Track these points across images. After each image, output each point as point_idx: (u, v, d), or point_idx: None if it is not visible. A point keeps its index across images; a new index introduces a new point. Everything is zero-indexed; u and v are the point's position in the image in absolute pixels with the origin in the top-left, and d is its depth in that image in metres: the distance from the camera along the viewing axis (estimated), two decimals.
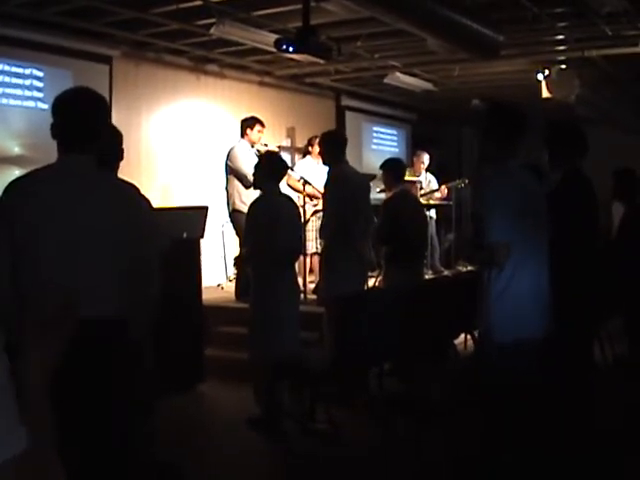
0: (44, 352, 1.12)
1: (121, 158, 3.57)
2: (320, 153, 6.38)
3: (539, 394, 3.53)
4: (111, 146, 3.30)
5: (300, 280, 7.28)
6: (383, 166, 6.78)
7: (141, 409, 3.04)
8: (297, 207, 5.60)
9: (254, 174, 5.48)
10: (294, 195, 7.32)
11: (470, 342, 6.26)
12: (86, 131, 2.75)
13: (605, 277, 4.95)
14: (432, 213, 9.43)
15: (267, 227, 5.07)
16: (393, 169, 6.69)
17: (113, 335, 2.60)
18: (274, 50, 7.10)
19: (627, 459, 4.35)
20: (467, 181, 9.73)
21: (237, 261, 5.78)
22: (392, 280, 6.45)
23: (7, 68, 7.52)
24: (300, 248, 5.96)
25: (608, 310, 5.90)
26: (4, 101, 7.50)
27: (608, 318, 6.04)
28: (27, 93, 7.70)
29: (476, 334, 5.72)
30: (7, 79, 7.52)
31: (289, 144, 10.87)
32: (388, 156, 8.47)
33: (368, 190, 6.46)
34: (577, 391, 4.11)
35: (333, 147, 6.02)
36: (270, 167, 5.34)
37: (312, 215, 7.94)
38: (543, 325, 3.50)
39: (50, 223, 2.60)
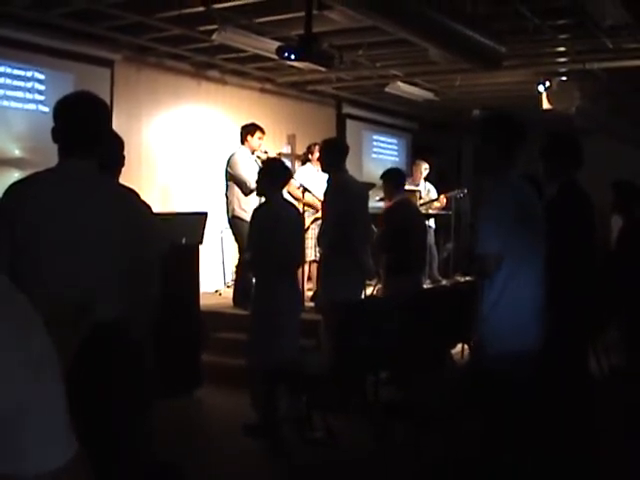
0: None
1: (122, 164, 3.58)
2: (320, 160, 6.38)
3: (532, 404, 3.52)
4: (112, 152, 3.31)
5: None
6: (383, 176, 6.84)
7: (142, 409, 3.04)
8: (300, 214, 5.61)
9: (257, 181, 5.50)
10: (294, 203, 7.33)
11: (467, 352, 6.25)
12: (87, 136, 2.75)
13: (602, 289, 4.96)
14: (431, 222, 9.44)
15: (270, 234, 5.08)
16: (393, 178, 6.75)
17: (114, 335, 2.60)
18: (276, 57, 7.12)
19: (626, 462, 4.36)
20: (466, 191, 9.75)
21: (238, 268, 5.79)
22: (391, 289, 6.45)
23: (9, 70, 7.53)
24: (302, 255, 5.97)
25: (605, 322, 5.90)
26: (5, 103, 7.50)
27: (605, 330, 6.05)
28: (28, 96, 7.70)
29: (472, 344, 5.72)
30: (8, 81, 7.53)
31: (289, 151, 10.85)
32: (388, 165, 8.49)
33: (367, 199, 6.47)
34: (574, 399, 4.11)
35: (334, 155, 6.02)
36: (273, 174, 5.35)
37: (311, 223, 7.95)
38: (539, 337, 3.49)
39: (51, 223, 2.61)
